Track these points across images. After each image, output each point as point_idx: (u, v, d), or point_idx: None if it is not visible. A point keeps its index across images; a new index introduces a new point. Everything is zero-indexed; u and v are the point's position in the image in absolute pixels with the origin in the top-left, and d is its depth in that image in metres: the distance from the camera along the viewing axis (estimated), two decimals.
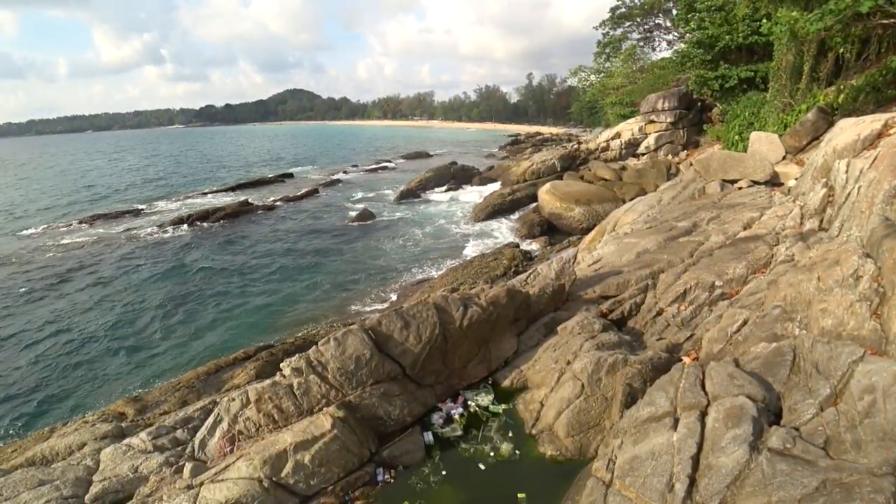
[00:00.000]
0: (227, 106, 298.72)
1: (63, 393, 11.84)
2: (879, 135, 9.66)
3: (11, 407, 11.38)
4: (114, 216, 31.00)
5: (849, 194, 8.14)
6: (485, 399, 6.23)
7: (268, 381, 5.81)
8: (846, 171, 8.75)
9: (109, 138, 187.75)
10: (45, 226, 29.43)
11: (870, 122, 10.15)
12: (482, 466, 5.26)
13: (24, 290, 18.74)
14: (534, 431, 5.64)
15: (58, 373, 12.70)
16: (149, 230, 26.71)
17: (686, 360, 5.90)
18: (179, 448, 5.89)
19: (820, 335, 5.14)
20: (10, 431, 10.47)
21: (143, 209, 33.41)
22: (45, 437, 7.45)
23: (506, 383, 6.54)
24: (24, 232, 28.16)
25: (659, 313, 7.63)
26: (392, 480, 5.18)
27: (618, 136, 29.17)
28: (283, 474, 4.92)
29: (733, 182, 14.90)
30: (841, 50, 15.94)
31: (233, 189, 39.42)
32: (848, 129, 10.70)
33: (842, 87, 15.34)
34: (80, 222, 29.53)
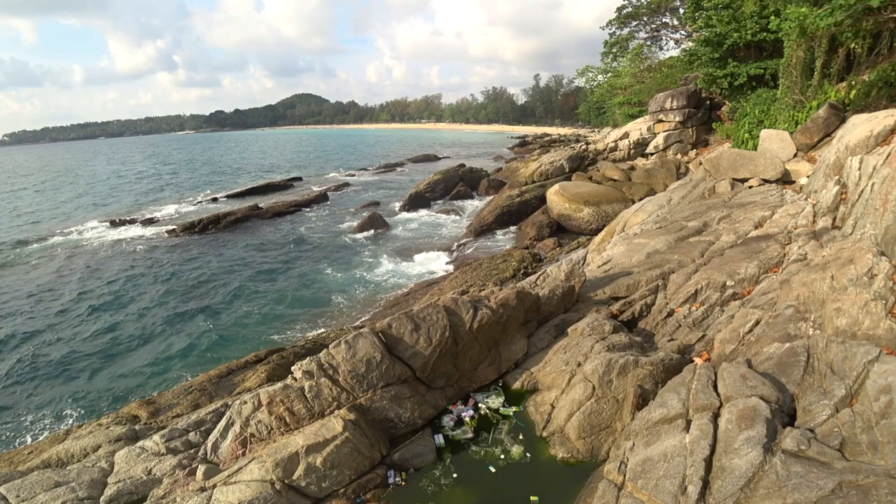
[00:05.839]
0: (237, 111, 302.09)
1: (77, 395, 12.01)
2: (893, 130, 9.54)
3: (27, 408, 11.56)
4: (127, 220, 31.42)
5: (862, 191, 8.03)
6: (495, 401, 6.22)
7: (279, 384, 5.84)
8: (859, 168, 8.64)
9: (122, 144, 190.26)
10: (60, 228, 29.93)
11: (883, 118, 10.01)
12: (493, 469, 5.25)
13: (35, 292, 19.06)
14: (545, 433, 5.62)
15: (71, 375, 12.89)
16: (161, 234, 27.04)
17: (698, 361, 5.85)
18: (192, 450, 5.95)
19: (834, 335, 5.07)
20: (25, 433, 10.64)
21: (155, 213, 33.84)
22: (61, 440, 7.55)
23: (516, 385, 6.52)
24: (37, 234, 28.68)
25: (670, 314, 7.58)
26: (403, 483, 5.19)
27: (626, 135, 29.04)
28: (295, 476, 4.95)
29: (744, 181, 14.76)
30: (852, 45, 15.75)
31: (242, 194, 39.81)
32: (860, 125, 10.57)
33: (853, 82, 15.14)
34: (93, 226, 29.97)
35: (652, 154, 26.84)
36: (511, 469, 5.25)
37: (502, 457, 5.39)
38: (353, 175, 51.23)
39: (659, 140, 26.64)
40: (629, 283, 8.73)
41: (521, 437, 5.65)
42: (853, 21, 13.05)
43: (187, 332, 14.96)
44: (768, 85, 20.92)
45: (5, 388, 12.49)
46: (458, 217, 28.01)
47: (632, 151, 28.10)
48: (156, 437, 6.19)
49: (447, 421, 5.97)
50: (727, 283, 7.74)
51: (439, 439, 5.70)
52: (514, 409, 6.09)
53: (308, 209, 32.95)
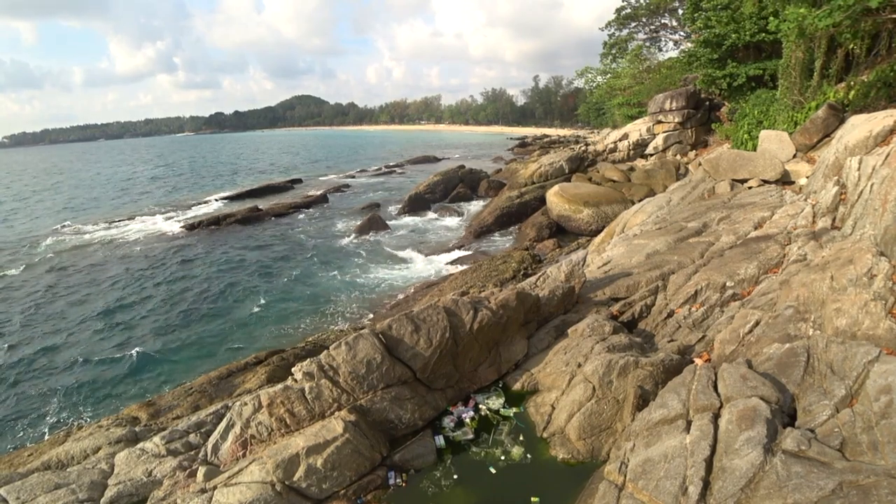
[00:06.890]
0: (236, 113, 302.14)
1: (77, 396, 11.99)
2: (892, 131, 9.55)
3: (28, 410, 11.55)
4: (127, 220, 31.44)
5: (861, 192, 8.05)
6: (496, 402, 6.22)
7: (280, 386, 5.85)
8: (858, 169, 8.65)
9: (124, 146, 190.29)
10: (58, 229, 29.94)
11: (882, 118, 10.02)
12: (493, 470, 5.25)
13: (32, 293, 19.07)
14: (545, 434, 5.62)
15: (71, 376, 12.87)
16: (161, 235, 27.04)
17: (698, 361, 5.85)
18: (192, 452, 5.94)
19: (834, 335, 5.08)
20: (26, 434, 10.63)
21: (155, 214, 33.82)
22: (61, 441, 7.55)
23: (516, 386, 6.53)
24: (37, 236, 28.67)
25: (670, 315, 7.58)
26: (404, 484, 5.19)
27: (626, 136, 29.05)
28: (295, 478, 4.95)
29: (743, 181, 14.78)
30: (851, 45, 15.77)
31: (243, 196, 39.78)
32: (860, 126, 10.59)
33: (852, 83, 15.17)
34: (94, 226, 29.98)
35: (651, 155, 26.85)
36: (511, 470, 5.25)
37: (503, 458, 5.40)
38: (353, 177, 51.22)
39: (658, 141, 26.65)
40: (629, 284, 8.73)
41: (521, 437, 5.65)
42: (852, 22, 13.07)
43: (186, 334, 14.94)
44: (767, 86, 20.94)
45: (8, 389, 12.48)
46: (457, 218, 28.00)
47: (631, 152, 28.12)
48: (156, 439, 6.19)
49: (448, 422, 5.98)
50: (727, 284, 7.75)
51: (440, 440, 5.70)
52: (514, 409, 6.09)
53: (308, 211, 32.92)
